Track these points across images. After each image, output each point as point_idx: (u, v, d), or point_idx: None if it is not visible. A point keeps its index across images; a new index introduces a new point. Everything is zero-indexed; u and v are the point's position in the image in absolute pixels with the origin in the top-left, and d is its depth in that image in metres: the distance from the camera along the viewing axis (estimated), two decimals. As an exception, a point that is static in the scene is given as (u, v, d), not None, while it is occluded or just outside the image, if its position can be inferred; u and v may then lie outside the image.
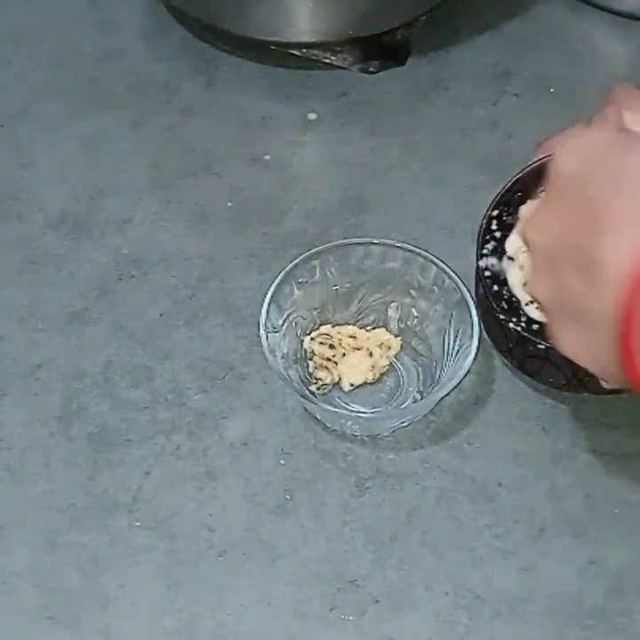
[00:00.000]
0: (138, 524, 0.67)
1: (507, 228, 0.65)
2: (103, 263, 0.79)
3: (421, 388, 0.72)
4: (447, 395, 0.68)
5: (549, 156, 0.62)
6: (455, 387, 0.67)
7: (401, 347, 0.73)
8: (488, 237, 0.64)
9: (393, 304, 0.74)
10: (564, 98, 0.88)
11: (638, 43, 0.94)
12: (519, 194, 0.64)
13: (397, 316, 0.74)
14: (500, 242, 0.64)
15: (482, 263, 0.64)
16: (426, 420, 0.71)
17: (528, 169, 0.64)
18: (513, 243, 0.64)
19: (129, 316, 0.76)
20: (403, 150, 0.86)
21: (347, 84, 0.90)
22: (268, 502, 0.68)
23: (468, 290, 0.69)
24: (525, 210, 0.63)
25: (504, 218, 0.64)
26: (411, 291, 0.73)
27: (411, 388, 0.72)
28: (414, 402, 0.71)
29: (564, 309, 0.51)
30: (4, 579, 0.65)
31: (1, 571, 0.66)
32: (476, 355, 0.67)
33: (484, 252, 0.64)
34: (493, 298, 0.63)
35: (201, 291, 0.78)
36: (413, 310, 0.73)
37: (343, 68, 0.90)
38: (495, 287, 0.63)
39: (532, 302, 0.62)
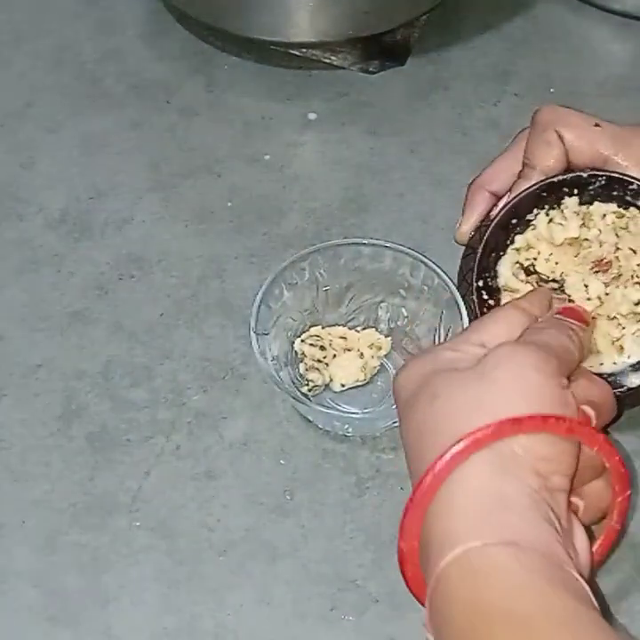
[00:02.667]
0: (138, 523, 0.67)
1: (495, 292, 0.65)
2: (103, 263, 0.79)
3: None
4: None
5: (505, 208, 0.63)
6: None
7: (391, 347, 0.73)
8: (485, 310, 0.64)
9: (383, 304, 0.74)
10: (563, 98, 0.88)
11: (638, 43, 0.94)
12: (493, 254, 0.64)
13: (387, 317, 0.74)
14: (496, 305, 0.64)
15: None
16: (426, 419, 0.71)
17: (491, 228, 0.64)
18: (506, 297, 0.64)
19: (129, 316, 0.76)
20: (403, 150, 0.86)
21: (347, 84, 0.90)
22: (268, 502, 0.68)
23: (459, 289, 0.69)
24: (503, 269, 0.64)
25: (490, 283, 0.65)
26: (400, 291, 0.73)
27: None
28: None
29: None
30: (4, 579, 0.65)
31: (1, 571, 0.66)
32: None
33: None
34: None
35: (201, 291, 0.78)
36: (403, 310, 0.74)
37: (343, 68, 0.90)
38: None
39: None
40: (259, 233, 0.81)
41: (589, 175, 0.61)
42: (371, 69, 0.91)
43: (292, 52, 0.89)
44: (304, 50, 0.89)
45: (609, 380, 0.62)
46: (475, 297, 0.64)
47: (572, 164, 0.63)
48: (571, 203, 0.62)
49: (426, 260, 0.71)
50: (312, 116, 0.88)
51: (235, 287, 0.78)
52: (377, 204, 0.82)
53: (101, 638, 0.63)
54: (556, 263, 0.63)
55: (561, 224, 0.62)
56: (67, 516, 0.68)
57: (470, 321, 0.66)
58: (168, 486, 0.69)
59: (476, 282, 0.64)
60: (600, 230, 0.62)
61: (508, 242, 0.64)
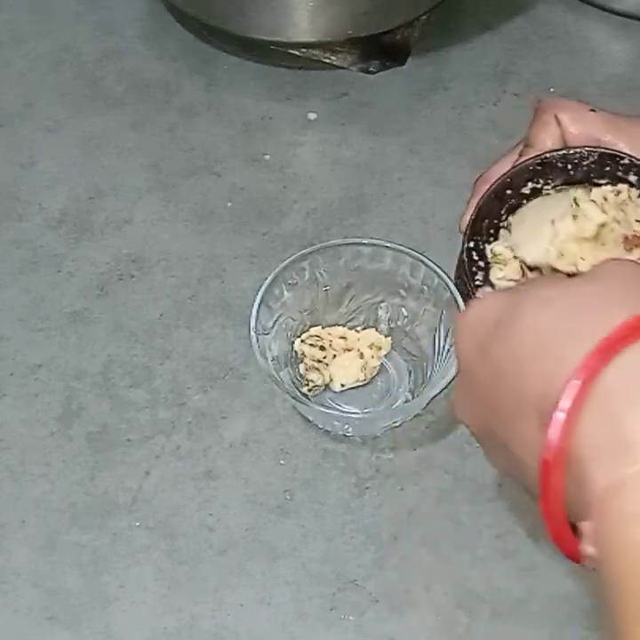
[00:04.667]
0: (138, 524, 0.67)
1: (484, 255, 0.65)
2: (103, 263, 0.79)
3: (412, 388, 0.72)
4: (439, 394, 0.68)
5: (501, 178, 0.64)
6: (446, 386, 0.67)
7: (391, 347, 0.73)
8: (474, 269, 0.64)
9: (383, 304, 0.74)
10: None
11: (638, 43, 0.94)
12: (485, 220, 0.64)
13: (387, 317, 0.74)
14: (486, 270, 0.64)
15: (479, 295, 0.64)
16: (425, 419, 0.71)
17: (485, 197, 0.64)
18: (495, 273, 0.64)
19: (129, 316, 0.76)
20: (403, 150, 0.86)
21: (347, 84, 0.90)
22: (267, 502, 0.68)
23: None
24: (494, 248, 0.64)
25: (481, 246, 0.65)
26: (400, 291, 0.73)
27: (402, 388, 0.72)
28: (406, 401, 0.71)
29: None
30: (4, 579, 0.65)
31: (1, 571, 0.66)
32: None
33: (477, 283, 0.64)
34: None
35: (201, 291, 0.78)
36: (403, 310, 0.74)
37: (343, 68, 0.90)
38: None
39: None
40: (259, 233, 0.81)
41: (582, 150, 0.63)
42: (371, 69, 0.91)
43: (292, 52, 0.89)
44: (304, 50, 0.89)
45: None
46: (465, 256, 0.65)
47: (568, 145, 0.64)
48: (579, 195, 0.63)
49: (426, 260, 0.71)
50: (312, 115, 0.88)
51: (235, 287, 0.78)
52: (377, 204, 0.82)
53: (101, 638, 0.63)
54: (582, 259, 0.64)
55: (585, 216, 0.63)
56: (67, 516, 0.68)
57: (460, 290, 0.66)
58: (168, 486, 0.69)
59: (468, 242, 0.65)
60: (610, 212, 0.64)
61: (502, 211, 0.65)
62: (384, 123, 0.88)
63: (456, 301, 0.68)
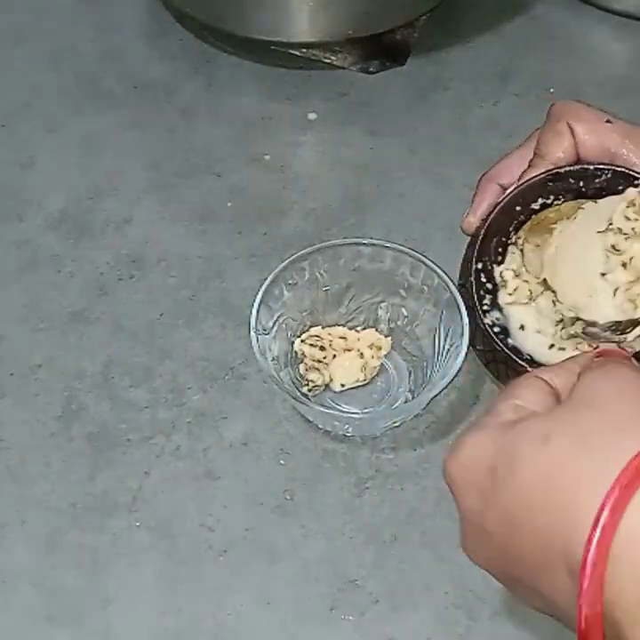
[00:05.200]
0: (138, 524, 0.67)
1: (493, 277, 0.64)
2: (103, 263, 0.79)
3: (413, 388, 0.72)
4: (438, 394, 0.68)
5: (510, 194, 0.63)
6: (446, 386, 0.67)
7: (391, 347, 0.73)
8: (482, 293, 0.64)
9: (383, 304, 0.74)
10: (563, 98, 0.88)
11: (638, 43, 0.94)
12: (494, 239, 0.64)
13: (387, 317, 0.74)
14: (494, 293, 0.64)
15: (488, 320, 0.63)
16: (425, 419, 0.71)
17: (494, 213, 0.64)
18: (503, 298, 0.64)
19: (129, 316, 0.76)
20: (403, 150, 0.86)
21: (347, 84, 0.90)
22: (268, 502, 0.68)
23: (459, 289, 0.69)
24: (503, 274, 0.63)
25: (489, 267, 0.65)
26: (400, 291, 0.73)
27: (402, 388, 0.72)
28: (406, 402, 0.71)
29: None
30: (4, 579, 0.65)
31: (1, 571, 0.66)
32: (467, 353, 0.67)
33: (485, 308, 0.64)
34: (512, 351, 0.62)
35: (201, 291, 0.78)
36: (403, 310, 0.73)
37: (343, 68, 0.90)
38: (510, 340, 0.63)
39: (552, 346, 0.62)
40: (259, 233, 0.81)
41: (595, 168, 0.62)
42: (371, 69, 0.91)
43: (292, 52, 0.89)
44: (304, 50, 0.89)
45: None
46: (473, 278, 0.64)
47: (580, 157, 0.63)
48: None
49: (426, 260, 0.71)
50: (312, 115, 0.88)
51: (235, 287, 0.78)
52: (377, 204, 0.82)
53: (101, 638, 0.63)
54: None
55: (633, 257, 0.62)
56: (67, 516, 0.68)
57: (467, 309, 0.66)
58: (168, 486, 0.69)
59: (476, 264, 0.64)
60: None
61: (511, 228, 0.64)
62: (384, 123, 0.88)
63: (456, 302, 0.68)
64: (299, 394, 0.69)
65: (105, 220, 0.82)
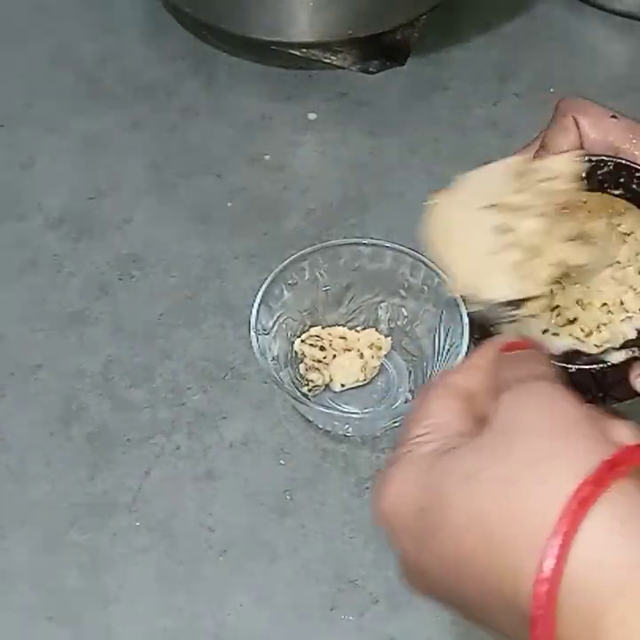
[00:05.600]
0: (138, 524, 0.67)
1: None
2: (103, 263, 0.79)
3: (412, 388, 0.72)
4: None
5: None
6: None
7: (391, 347, 0.73)
8: None
9: (383, 304, 0.74)
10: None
11: (638, 43, 0.94)
12: None
13: (387, 317, 0.74)
14: None
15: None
16: (426, 420, 0.71)
17: None
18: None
19: (129, 316, 0.76)
20: (403, 150, 0.86)
21: (347, 84, 0.90)
22: (268, 502, 0.68)
23: None
24: None
25: None
26: (400, 291, 0.73)
27: (402, 388, 0.72)
28: (406, 402, 0.71)
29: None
30: (4, 579, 0.65)
31: (1, 571, 0.66)
32: (467, 354, 0.67)
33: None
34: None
35: (201, 291, 0.78)
36: (403, 310, 0.74)
37: (343, 68, 0.90)
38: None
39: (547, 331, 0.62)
40: (259, 233, 0.81)
41: (598, 160, 0.62)
42: (371, 69, 0.91)
43: (292, 52, 0.89)
44: (304, 50, 0.89)
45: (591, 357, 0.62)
46: None
47: (584, 150, 0.63)
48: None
49: (426, 260, 0.71)
50: (312, 116, 0.88)
51: (235, 287, 0.78)
52: (377, 204, 0.82)
53: (101, 638, 0.63)
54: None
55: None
56: (67, 516, 0.68)
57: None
58: (168, 486, 0.69)
59: None
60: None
61: None
62: (384, 123, 0.88)
63: (456, 302, 0.68)
64: (299, 394, 0.69)
65: (105, 220, 0.82)
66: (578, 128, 0.63)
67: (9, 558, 0.66)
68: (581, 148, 0.63)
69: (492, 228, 0.57)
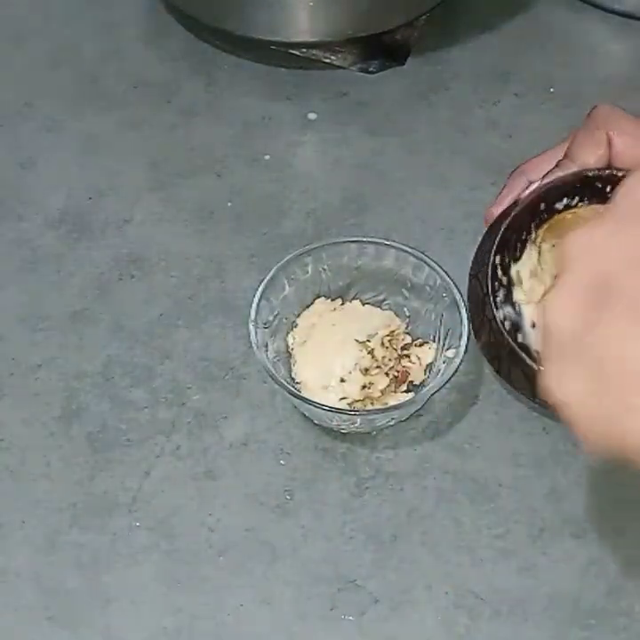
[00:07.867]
0: (138, 524, 0.67)
1: (508, 271, 0.64)
2: (103, 263, 0.79)
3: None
4: (437, 392, 0.68)
5: (536, 191, 0.63)
6: (444, 385, 0.67)
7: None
8: (496, 285, 0.64)
9: (385, 303, 0.74)
10: (563, 98, 0.88)
11: (638, 43, 0.94)
12: (514, 234, 0.64)
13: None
14: (508, 289, 0.64)
15: (499, 314, 0.63)
16: (425, 419, 0.71)
17: (518, 208, 0.63)
18: (518, 294, 0.64)
19: (129, 316, 0.76)
20: (403, 150, 0.86)
21: (347, 84, 0.90)
22: (268, 502, 0.68)
23: (459, 290, 0.68)
24: (520, 272, 0.63)
25: (506, 261, 0.64)
26: (403, 290, 0.73)
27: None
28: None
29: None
30: (4, 579, 0.65)
31: (1, 571, 0.66)
32: (465, 353, 0.67)
33: (498, 302, 0.63)
34: (521, 348, 0.62)
35: (201, 291, 0.78)
36: (405, 310, 0.73)
37: (343, 68, 0.90)
38: (519, 337, 0.63)
39: None
40: (259, 233, 0.81)
41: (624, 174, 0.62)
42: (371, 69, 0.91)
43: (292, 52, 0.89)
44: (304, 50, 0.89)
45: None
46: (489, 270, 0.64)
47: (613, 165, 0.63)
48: None
49: (429, 261, 0.71)
50: (312, 115, 0.88)
51: (235, 287, 0.78)
52: (377, 204, 0.82)
53: (101, 638, 0.63)
54: None
55: None
56: (67, 516, 0.68)
57: (475, 300, 0.65)
58: (168, 486, 0.69)
59: (494, 256, 0.64)
60: None
61: (532, 225, 0.64)
62: (384, 123, 0.88)
63: (457, 303, 0.68)
64: (294, 389, 0.69)
65: (105, 220, 0.82)
66: (609, 144, 0.61)
67: (9, 558, 0.66)
68: (608, 163, 0.62)
69: (354, 361, 0.71)
